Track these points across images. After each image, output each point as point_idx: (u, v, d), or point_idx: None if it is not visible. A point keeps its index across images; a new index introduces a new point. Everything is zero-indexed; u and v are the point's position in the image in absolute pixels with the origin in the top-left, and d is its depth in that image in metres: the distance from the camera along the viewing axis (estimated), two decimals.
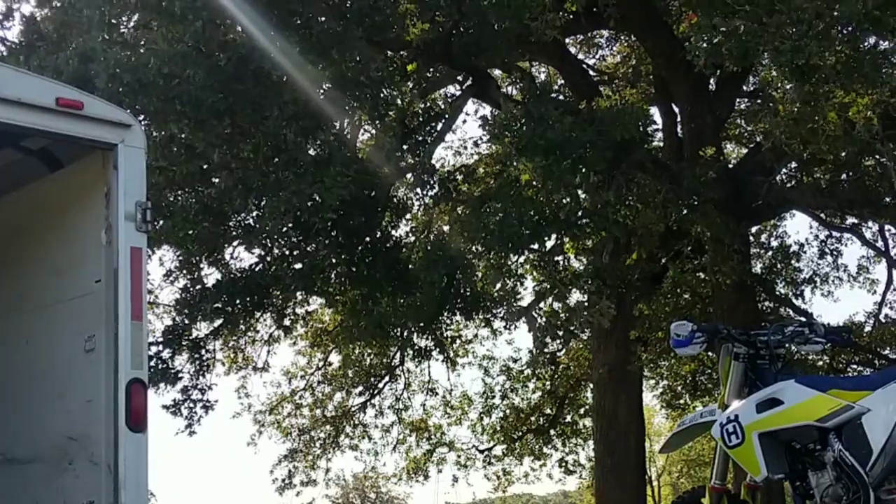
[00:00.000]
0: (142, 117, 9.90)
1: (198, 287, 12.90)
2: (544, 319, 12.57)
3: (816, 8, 8.27)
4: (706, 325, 5.08)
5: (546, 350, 15.75)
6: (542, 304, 15.09)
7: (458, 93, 14.76)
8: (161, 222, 10.41)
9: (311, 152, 10.99)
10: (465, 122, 25.24)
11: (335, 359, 18.40)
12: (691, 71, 12.67)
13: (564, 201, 11.13)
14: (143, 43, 9.87)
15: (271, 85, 10.09)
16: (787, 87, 9.07)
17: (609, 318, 11.75)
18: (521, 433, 20.08)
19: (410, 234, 15.53)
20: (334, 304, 14.60)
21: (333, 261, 12.65)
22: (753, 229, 16.05)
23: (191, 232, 10.96)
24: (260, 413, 18.63)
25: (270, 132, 10.25)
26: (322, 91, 10.72)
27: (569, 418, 20.11)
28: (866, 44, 9.18)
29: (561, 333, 12.80)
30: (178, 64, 9.30)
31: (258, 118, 10.11)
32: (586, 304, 12.30)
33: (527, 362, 19.26)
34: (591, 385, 16.74)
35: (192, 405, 13.48)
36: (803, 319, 12.50)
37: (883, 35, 8.97)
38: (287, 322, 15.34)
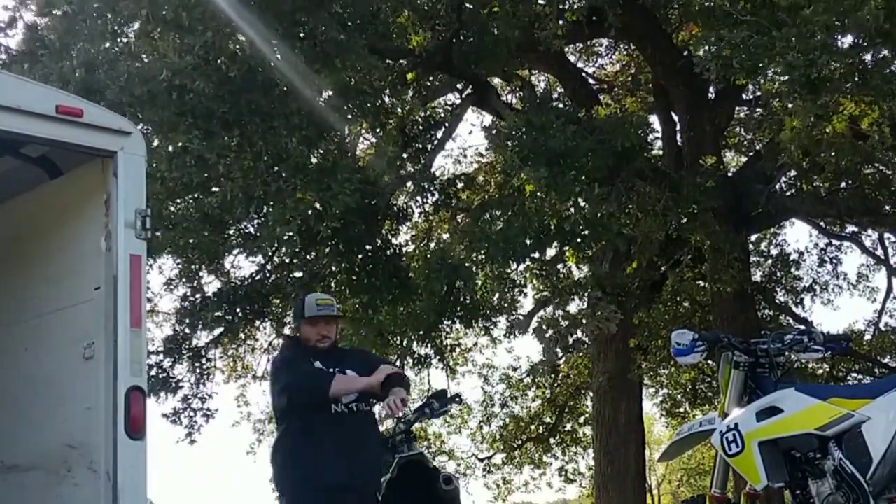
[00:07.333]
0: (150, 127, 9.94)
1: (198, 296, 12.89)
2: (552, 331, 12.55)
3: (826, 21, 8.27)
4: (707, 333, 5.07)
5: (554, 360, 15.74)
6: (542, 313, 15.09)
7: (457, 101, 14.80)
8: (160, 232, 10.42)
9: (314, 161, 11.02)
10: (471, 132, 25.30)
11: None
12: (691, 80, 12.72)
13: (568, 212, 11.13)
14: (146, 53, 9.89)
15: (278, 95, 10.13)
16: (797, 99, 9.06)
17: (616, 323, 11.76)
18: (520, 442, 20.06)
19: (410, 243, 15.54)
20: None
21: (333, 269, 12.65)
22: (753, 238, 16.07)
23: (191, 241, 10.97)
24: (259, 422, 18.61)
25: (271, 141, 10.29)
26: (324, 100, 10.76)
27: (569, 427, 20.10)
28: (874, 56, 9.19)
29: (570, 342, 12.81)
30: (188, 75, 9.34)
31: (266, 128, 10.16)
32: (588, 311, 12.30)
33: (526, 371, 19.26)
34: (591, 393, 16.73)
35: (192, 414, 13.46)
36: (803, 328, 12.50)
37: (892, 48, 8.96)
38: (287, 330, 15.32)
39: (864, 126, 10.34)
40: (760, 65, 8.86)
